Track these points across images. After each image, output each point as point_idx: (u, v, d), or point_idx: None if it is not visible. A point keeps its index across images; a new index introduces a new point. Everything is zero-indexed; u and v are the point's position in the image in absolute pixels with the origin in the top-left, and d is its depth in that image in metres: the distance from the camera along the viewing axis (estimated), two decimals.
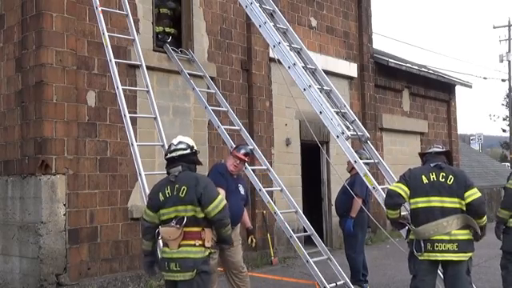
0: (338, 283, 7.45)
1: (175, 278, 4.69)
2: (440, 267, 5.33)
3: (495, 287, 6.04)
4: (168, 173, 4.92)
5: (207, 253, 4.71)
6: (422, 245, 5.14)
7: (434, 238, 5.12)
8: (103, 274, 8.16)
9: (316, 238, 7.80)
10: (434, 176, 5.27)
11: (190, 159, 4.96)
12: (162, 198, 4.80)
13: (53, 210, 7.63)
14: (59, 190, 7.70)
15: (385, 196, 5.55)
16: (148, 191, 6.83)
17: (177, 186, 4.75)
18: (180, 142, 5.04)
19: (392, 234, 11.75)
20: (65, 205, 7.77)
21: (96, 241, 8.16)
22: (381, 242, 12.77)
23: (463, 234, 5.18)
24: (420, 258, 5.19)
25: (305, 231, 8.13)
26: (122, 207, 8.51)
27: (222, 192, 5.72)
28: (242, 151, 6.54)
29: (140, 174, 6.86)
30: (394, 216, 5.40)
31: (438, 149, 5.54)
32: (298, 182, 11.78)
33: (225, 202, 4.77)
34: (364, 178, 6.71)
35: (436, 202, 5.19)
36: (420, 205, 5.23)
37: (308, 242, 9.00)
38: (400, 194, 5.27)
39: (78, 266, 7.90)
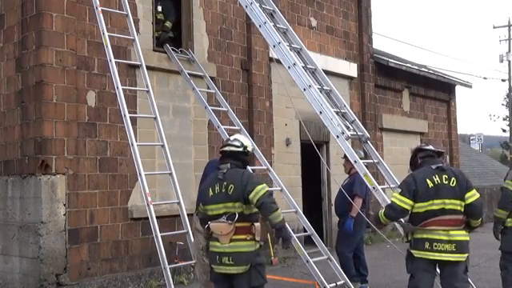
0: (337, 283, 7.45)
1: (228, 271, 4.92)
2: (437, 267, 5.33)
3: (495, 287, 6.04)
4: (218, 168, 5.13)
5: (258, 246, 4.99)
6: (420, 243, 5.14)
7: (433, 237, 5.11)
8: (103, 274, 8.16)
9: (316, 238, 7.81)
10: (438, 179, 5.24)
11: (239, 157, 5.17)
12: (211, 193, 5.04)
13: (53, 210, 7.63)
14: (59, 189, 7.70)
15: (387, 207, 5.43)
16: (148, 191, 6.87)
17: (225, 183, 4.97)
18: (235, 139, 5.28)
19: (392, 234, 11.76)
20: (65, 205, 7.77)
21: (96, 241, 8.16)
22: (381, 242, 12.75)
23: (461, 235, 5.18)
24: (416, 255, 5.17)
25: (305, 231, 8.14)
26: (122, 207, 8.51)
27: None
28: None
29: (140, 174, 6.87)
30: (386, 224, 5.49)
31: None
32: (298, 182, 11.77)
33: (267, 188, 4.93)
34: (364, 178, 6.71)
35: (438, 204, 5.19)
36: (423, 209, 5.21)
37: (308, 241, 9.00)
38: (405, 210, 5.24)
39: (78, 266, 7.90)
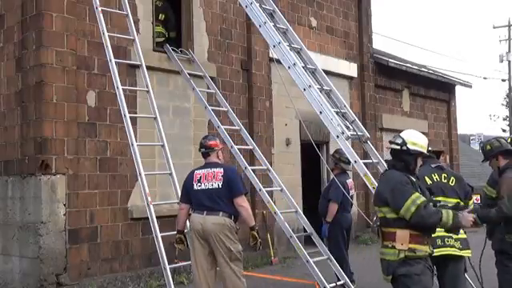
0: (337, 283, 7.45)
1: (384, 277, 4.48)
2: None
3: (494, 287, 6.04)
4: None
5: (402, 255, 4.27)
6: (435, 241, 5.11)
7: (443, 234, 5.11)
8: (103, 274, 8.16)
9: (316, 238, 7.81)
10: (437, 177, 5.29)
11: (399, 157, 4.50)
12: None
13: (53, 210, 7.63)
14: (59, 189, 7.70)
15: None
16: (148, 191, 6.86)
17: (378, 185, 4.56)
18: (397, 136, 4.60)
19: None
20: (65, 205, 7.77)
21: (96, 241, 8.16)
22: None
23: (462, 233, 5.24)
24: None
25: (305, 231, 8.14)
26: (122, 207, 8.51)
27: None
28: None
29: (140, 174, 6.87)
30: None
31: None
32: (298, 182, 11.78)
33: (418, 202, 4.22)
34: (364, 178, 6.71)
35: (439, 202, 5.20)
36: None
37: (308, 241, 9.00)
38: None
39: (78, 266, 7.90)
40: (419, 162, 4.57)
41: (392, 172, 4.46)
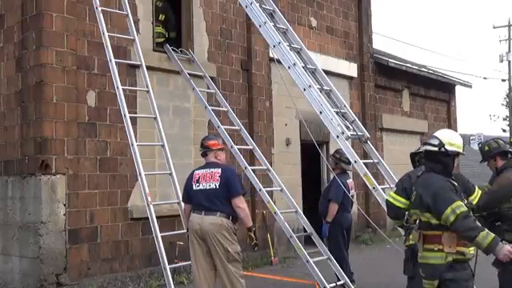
0: (337, 283, 7.45)
1: (424, 285, 4.29)
2: None
3: (495, 287, 6.04)
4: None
5: (450, 258, 4.12)
6: None
7: None
8: (103, 274, 8.16)
9: (316, 238, 7.81)
10: None
11: (436, 158, 4.29)
12: (412, 198, 4.50)
13: (53, 210, 7.63)
14: (59, 189, 7.70)
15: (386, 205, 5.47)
16: (148, 191, 6.86)
17: (416, 189, 4.38)
18: (433, 137, 4.37)
19: (391, 234, 11.75)
20: (65, 205, 7.77)
21: (96, 241, 8.16)
22: (381, 242, 12.76)
23: None
24: None
25: (305, 231, 8.14)
26: (122, 207, 8.51)
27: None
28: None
29: (140, 174, 6.87)
30: (399, 224, 5.42)
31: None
32: (298, 182, 11.77)
33: (457, 212, 4.04)
34: (364, 178, 6.71)
35: None
36: None
37: (308, 241, 9.00)
38: (399, 208, 5.17)
39: (78, 266, 7.90)
40: (456, 162, 4.39)
41: (432, 176, 4.27)
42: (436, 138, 4.30)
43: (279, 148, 11.44)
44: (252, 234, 5.93)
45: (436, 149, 4.25)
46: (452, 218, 4.01)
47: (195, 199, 5.95)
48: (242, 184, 6.03)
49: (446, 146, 4.25)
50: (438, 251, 4.11)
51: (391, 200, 5.25)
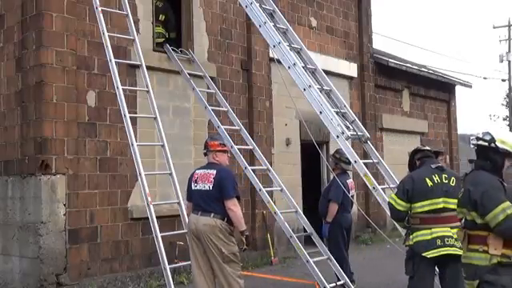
0: (337, 283, 7.45)
1: (465, 286, 4.16)
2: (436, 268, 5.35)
3: None
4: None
5: (495, 260, 3.91)
6: (432, 243, 5.13)
7: (444, 234, 5.14)
8: (103, 274, 8.16)
9: (316, 238, 7.81)
10: (438, 178, 5.28)
11: (485, 155, 4.14)
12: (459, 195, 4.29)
13: (53, 210, 7.63)
14: (59, 189, 7.70)
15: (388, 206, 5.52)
16: (148, 191, 6.86)
17: (464, 186, 4.18)
18: (485, 133, 4.20)
19: (391, 234, 11.75)
20: (65, 205, 7.77)
21: (96, 241, 8.16)
22: (381, 242, 12.76)
23: None
24: (430, 256, 5.15)
25: (305, 231, 8.14)
26: (122, 207, 8.51)
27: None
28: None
29: (140, 174, 6.87)
30: (402, 226, 5.49)
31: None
32: (298, 182, 11.77)
33: (508, 212, 3.86)
34: (364, 178, 6.71)
35: (441, 203, 5.22)
36: (426, 208, 5.22)
37: (308, 241, 9.00)
38: (400, 211, 5.26)
39: (78, 266, 7.90)
40: (507, 163, 4.18)
41: (482, 174, 4.12)
42: (488, 133, 4.17)
43: (279, 148, 11.44)
44: (243, 238, 5.86)
45: (486, 144, 4.13)
46: (501, 217, 3.85)
47: (194, 199, 5.97)
48: (235, 186, 5.95)
49: (496, 143, 4.11)
50: (482, 252, 3.97)
51: (393, 203, 5.29)
